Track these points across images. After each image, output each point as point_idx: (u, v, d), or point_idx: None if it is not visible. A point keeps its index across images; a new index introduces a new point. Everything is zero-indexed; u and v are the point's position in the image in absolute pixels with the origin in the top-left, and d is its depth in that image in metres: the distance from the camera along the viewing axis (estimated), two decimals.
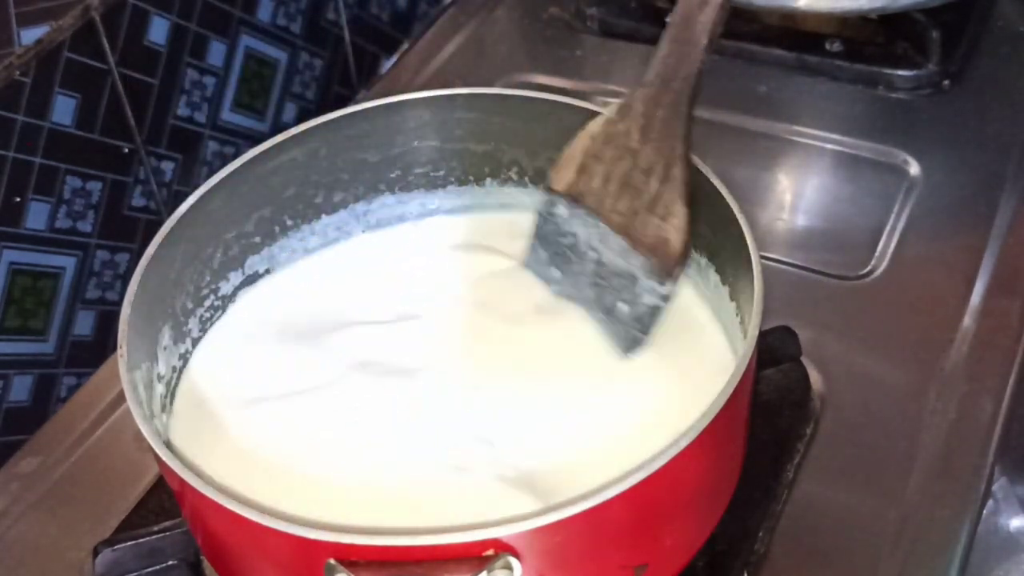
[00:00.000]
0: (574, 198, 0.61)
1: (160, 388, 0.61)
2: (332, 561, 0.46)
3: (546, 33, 1.01)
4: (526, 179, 0.71)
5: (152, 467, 0.68)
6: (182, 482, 0.50)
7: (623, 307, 0.60)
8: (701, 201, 0.61)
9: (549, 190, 0.62)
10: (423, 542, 0.46)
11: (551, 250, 0.63)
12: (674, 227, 0.58)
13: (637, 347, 0.61)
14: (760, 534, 0.63)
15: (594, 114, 0.63)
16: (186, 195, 0.62)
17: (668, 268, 0.58)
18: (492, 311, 0.65)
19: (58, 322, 0.77)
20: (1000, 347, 0.72)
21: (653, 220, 0.58)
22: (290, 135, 0.65)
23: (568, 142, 0.62)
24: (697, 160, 0.61)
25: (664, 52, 0.58)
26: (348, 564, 0.46)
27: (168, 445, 0.58)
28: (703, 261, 0.65)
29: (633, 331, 0.61)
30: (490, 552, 0.46)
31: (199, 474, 0.52)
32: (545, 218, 0.63)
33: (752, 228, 0.57)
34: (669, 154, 0.59)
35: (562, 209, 0.62)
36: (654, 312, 0.60)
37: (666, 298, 0.59)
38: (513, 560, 0.47)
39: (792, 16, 0.95)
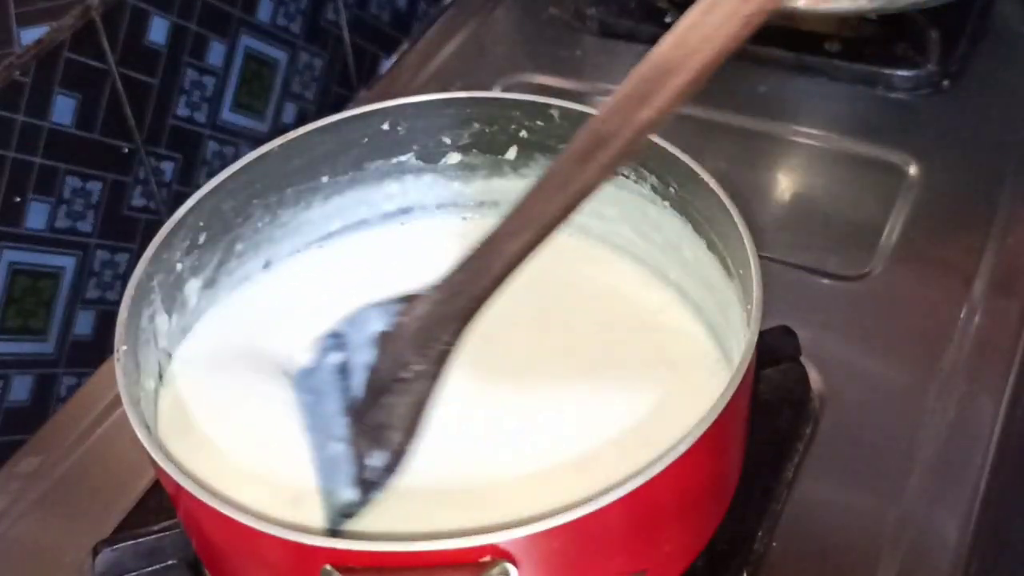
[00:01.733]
0: None
1: (159, 387, 0.61)
2: (328, 567, 0.46)
3: (546, 33, 1.01)
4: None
5: (151, 467, 0.68)
6: (177, 486, 0.50)
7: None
8: (700, 201, 0.61)
9: None
10: (419, 548, 0.46)
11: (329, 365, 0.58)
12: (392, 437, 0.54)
13: (358, 510, 0.55)
14: (760, 534, 0.63)
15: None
16: (186, 195, 0.63)
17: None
18: (490, 314, 0.65)
19: (58, 322, 0.77)
20: (999, 347, 0.72)
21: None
22: (291, 137, 0.65)
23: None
24: (693, 161, 0.61)
25: (465, 264, 0.54)
26: (344, 570, 0.46)
27: (164, 448, 0.58)
28: None
29: (356, 493, 0.55)
30: (487, 558, 0.46)
31: (193, 478, 0.52)
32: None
33: (751, 228, 0.57)
34: (421, 368, 0.54)
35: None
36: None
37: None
38: (510, 566, 0.47)
39: (791, 16, 0.95)
